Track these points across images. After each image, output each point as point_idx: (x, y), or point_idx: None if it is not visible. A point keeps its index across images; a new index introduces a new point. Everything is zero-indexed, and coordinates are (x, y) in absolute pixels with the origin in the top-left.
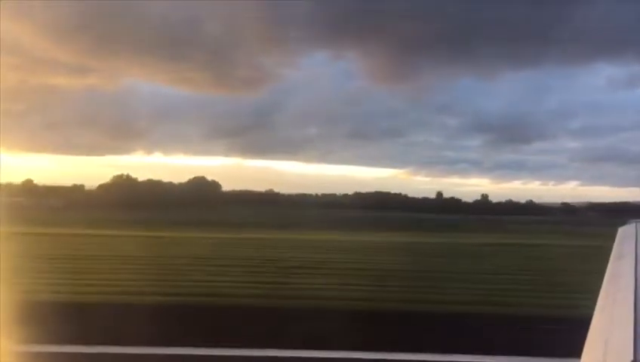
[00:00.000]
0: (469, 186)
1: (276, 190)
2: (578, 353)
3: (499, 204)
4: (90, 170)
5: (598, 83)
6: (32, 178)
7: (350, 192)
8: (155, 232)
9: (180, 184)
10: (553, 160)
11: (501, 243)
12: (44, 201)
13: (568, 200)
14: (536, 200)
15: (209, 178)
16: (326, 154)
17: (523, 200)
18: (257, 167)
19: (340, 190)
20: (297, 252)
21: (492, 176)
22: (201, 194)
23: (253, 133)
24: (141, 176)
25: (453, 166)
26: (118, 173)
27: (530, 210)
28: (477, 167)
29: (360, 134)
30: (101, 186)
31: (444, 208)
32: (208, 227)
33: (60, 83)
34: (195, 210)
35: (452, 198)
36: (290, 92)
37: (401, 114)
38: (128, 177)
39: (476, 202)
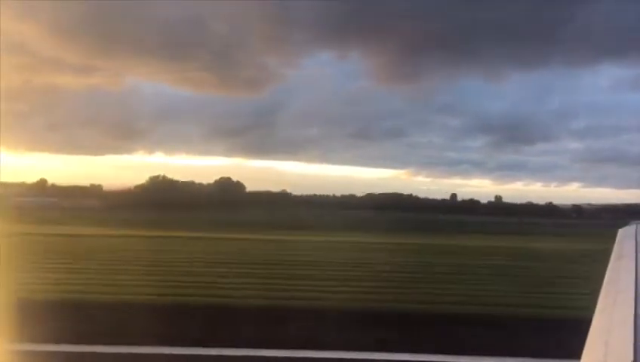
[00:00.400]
0: (470, 187)
1: (288, 190)
2: (578, 354)
3: (516, 206)
4: (100, 170)
5: (602, 84)
6: (38, 178)
7: (363, 193)
8: (218, 234)
9: (209, 185)
10: (556, 161)
11: (583, 248)
12: (80, 202)
13: (571, 201)
14: (555, 201)
15: (234, 179)
16: (329, 155)
17: (542, 202)
18: (260, 167)
19: (346, 191)
20: (374, 254)
21: (494, 176)
22: (227, 195)
23: (257, 133)
24: (151, 176)
25: (455, 167)
26: (155, 173)
27: (547, 211)
28: (478, 167)
29: (363, 134)
30: (138, 186)
31: (462, 209)
32: (255, 228)
33: (65, 82)
34: (229, 210)
35: (471, 200)
36: (293, 92)
37: (403, 114)
38: (164, 178)
39: (491, 203)
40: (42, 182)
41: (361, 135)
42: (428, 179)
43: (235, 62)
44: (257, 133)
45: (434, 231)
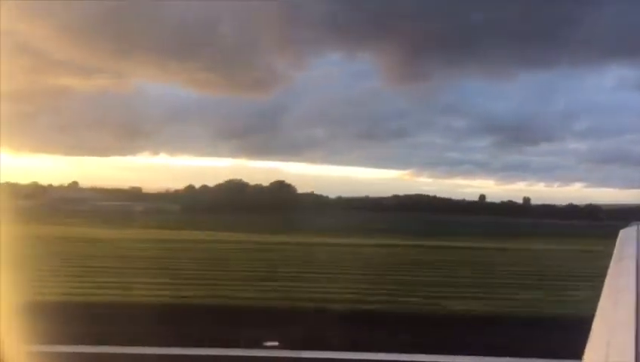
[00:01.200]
0: (473, 188)
1: (316, 192)
2: (580, 354)
3: (554, 207)
4: (107, 171)
5: (606, 84)
6: (71, 180)
7: (390, 194)
8: (326, 238)
9: (266, 187)
10: (559, 161)
11: None
12: (165, 207)
13: (571, 201)
14: (556, 202)
15: (287, 181)
16: (333, 156)
17: (583, 204)
18: (267, 168)
19: (349, 192)
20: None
21: (497, 177)
22: (285, 197)
23: (263, 135)
24: (227, 179)
25: (458, 167)
26: (230, 177)
27: (587, 213)
28: (482, 168)
29: (367, 135)
30: (218, 188)
31: (498, 211)
32: (389, 233)
33: (72, 84)
34: (306, 212)
35: (510, 201)
36: (300, 93)
37: (408, 114)
38: (240, 181)
39: (518, 206)
40: (74, 185)
41: (365, 135)
42: (430, 180)
43: (243, 63)
44: (264, 134)
45: (512, 234)
